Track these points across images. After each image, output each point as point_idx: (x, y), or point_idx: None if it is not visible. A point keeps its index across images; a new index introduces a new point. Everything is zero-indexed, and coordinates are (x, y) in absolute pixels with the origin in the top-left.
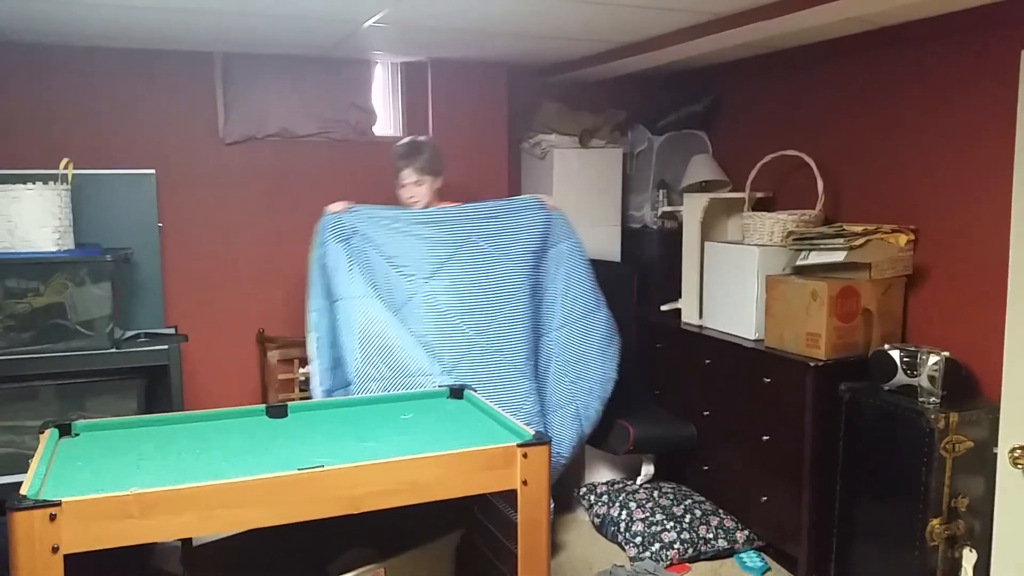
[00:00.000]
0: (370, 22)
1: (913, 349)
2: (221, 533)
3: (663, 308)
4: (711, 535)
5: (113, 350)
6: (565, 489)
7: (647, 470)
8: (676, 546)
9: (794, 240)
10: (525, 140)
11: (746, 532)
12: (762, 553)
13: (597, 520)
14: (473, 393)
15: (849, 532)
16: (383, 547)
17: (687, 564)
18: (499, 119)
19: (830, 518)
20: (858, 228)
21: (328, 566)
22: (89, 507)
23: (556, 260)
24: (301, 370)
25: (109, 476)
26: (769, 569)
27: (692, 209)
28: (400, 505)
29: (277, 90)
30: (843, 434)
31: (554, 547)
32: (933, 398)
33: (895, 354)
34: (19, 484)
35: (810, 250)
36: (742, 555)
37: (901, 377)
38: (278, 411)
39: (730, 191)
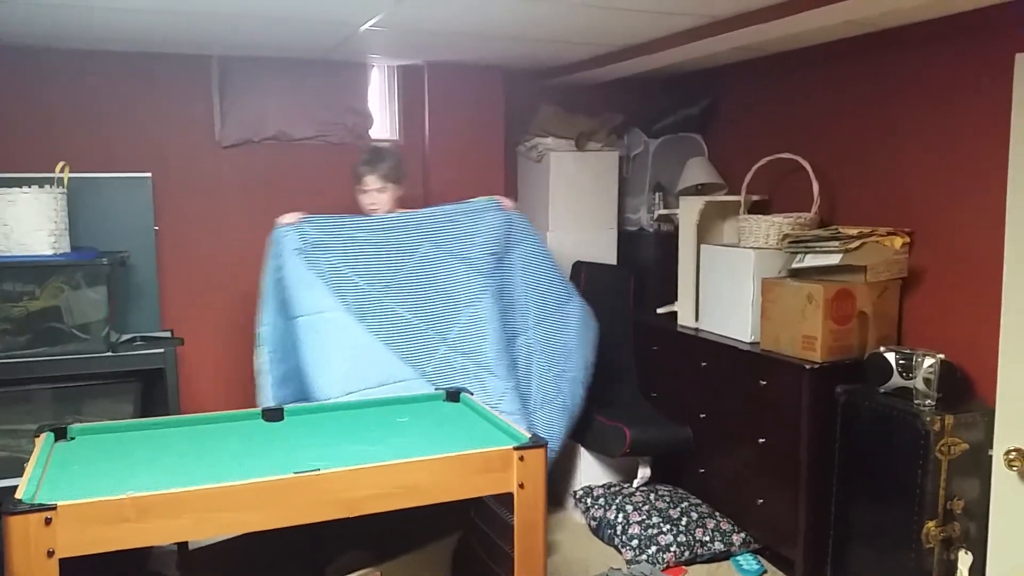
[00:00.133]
0: (367, 25)
1: (908, 352)
2: (217, 537)
3: (659, 311)
4: (707, 538)
5: (109, 353)
6: (553, 486)
7: (643, 473)
8: (672, 549)
9: (790, 243)
10: (522, 143)
11: (742, 535)
12: (758, 556)
13: (593, 523)
14: (469, 396)
15: (845, 534)
16: (380, 550)
17: (683, 567)
18: (496, 122)
19: (826, 520)
20: (853, 231)
21: (325, 569)
22: (85, 511)
23: (522, 259)
24: None
25: (105, 480)
26: (765, 572)
27: (688, 212)
28: (397, 508)
29: (274, 93)
30: (839, 436)
31: (550, 549)
32: (928, 400)
33: (891, 357)
34: (14, 488)
35: (806, 253)
36: (739, 558)
37: (897, 379)
38: (274, 414)
39: (726, 194)
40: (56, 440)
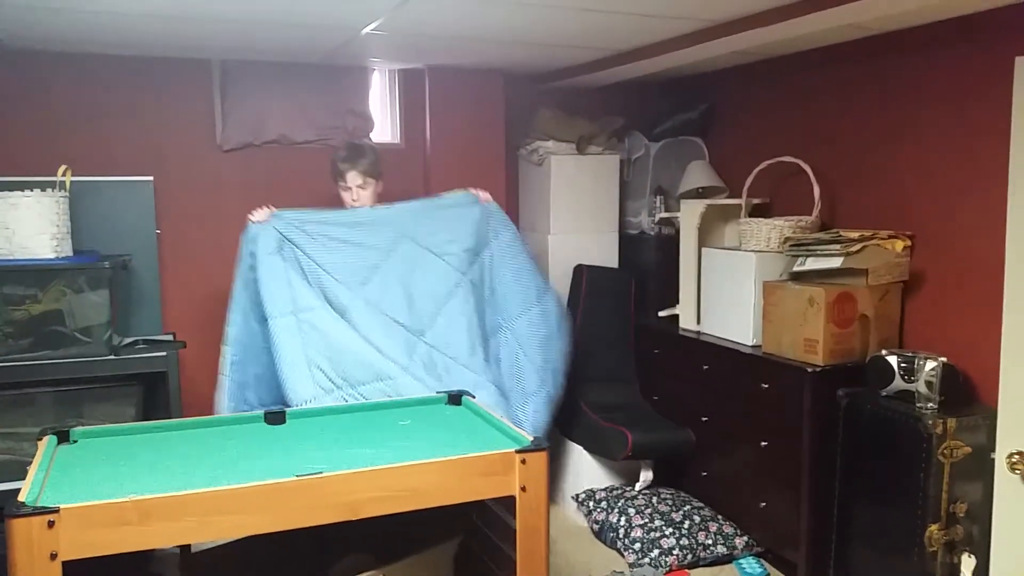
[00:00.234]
0: (367, 29)
1: (910, 355)
2: (220, 540)
3: (661, 314)
4: (710, 541)
5: (111, 357)
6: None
7: (646, 476)
8: (675, 552)
9: (791, 246)
10: (522, 147)
11: (745, 538)
12: (761, 559)
13: (596, 526)
14: (471, 399)
15: (848, 537)
16: (382, 553)
17: (686, 570)
18: (496, 126)
19: (829, 524)
20: (854, 234)
21: (327, 572)
22: (87, 514)
23: (500, 252)
24: None
25: (107, 483)
26: (768, 575)
27: (689, 215)
28: (399, 511)
29: (275, 97)
30: (841, 440)
31: (552, 553)
32: (930, 404)
33: (892, 360)
34: (17, 491)
35: (807, 256)
36: (741, 561)
37: (898, 383)
38: (276, 417)
39: (726, 197)
40: (59, 443)
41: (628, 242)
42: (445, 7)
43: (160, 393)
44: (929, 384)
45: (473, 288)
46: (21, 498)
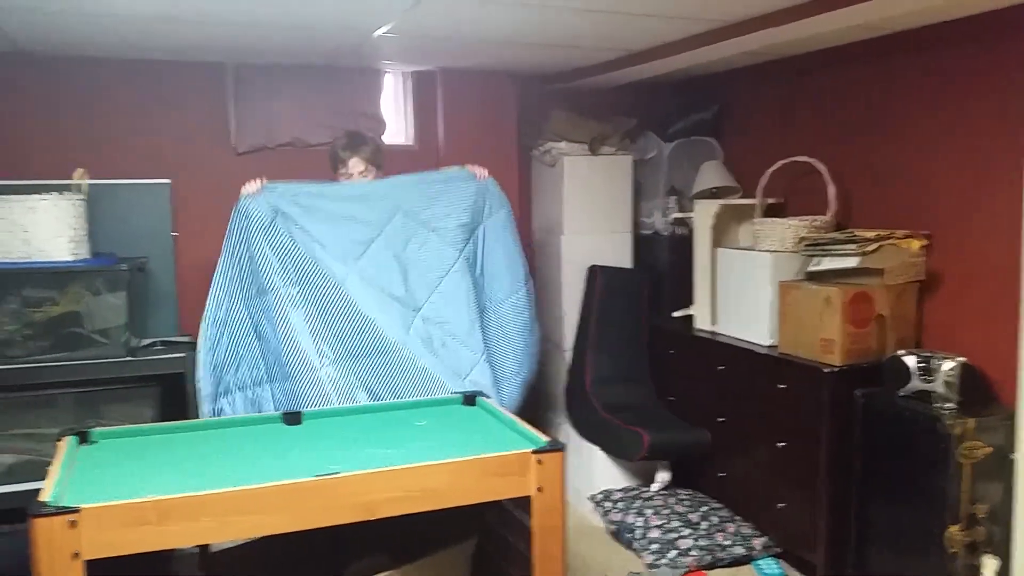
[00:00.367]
0: (379, 32)
1: (928, 355)
2: (237, 540)
3: (675, 314)
4: (728, 542)
5: (129, 358)
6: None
7: (663, 477)
8: (693, 553)
9: (806, 246)
10: (535, 148)
11: (763, 539)
12: (780, 560)
13: (613, 527)
14: (486, 400)
15: (867, 538)
16: (399, 554)
17: (704, 571)
18: (509, 127)
19: (847, 524)
20: (870, 234)
21: (344, 572)
22: (107, 514)
23: (494, 230)
24: None
25: (127, 483)
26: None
27: (703, 215)
28: (415, 511)
29: (288, 100)
30: (859, 440)
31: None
32: (949, 404)
33: (910, 360)
34: (38, 491)
35: (822, 256)
36: (759, 562)
37: (916, 383)
38: (293, 418)
39: (740, 197)
40: (79, 444)
41: (642, 243)
42: (456, 10)
43: (177, 394)
44: (948, 384)
45: (468, 266)
46: (43, 498)
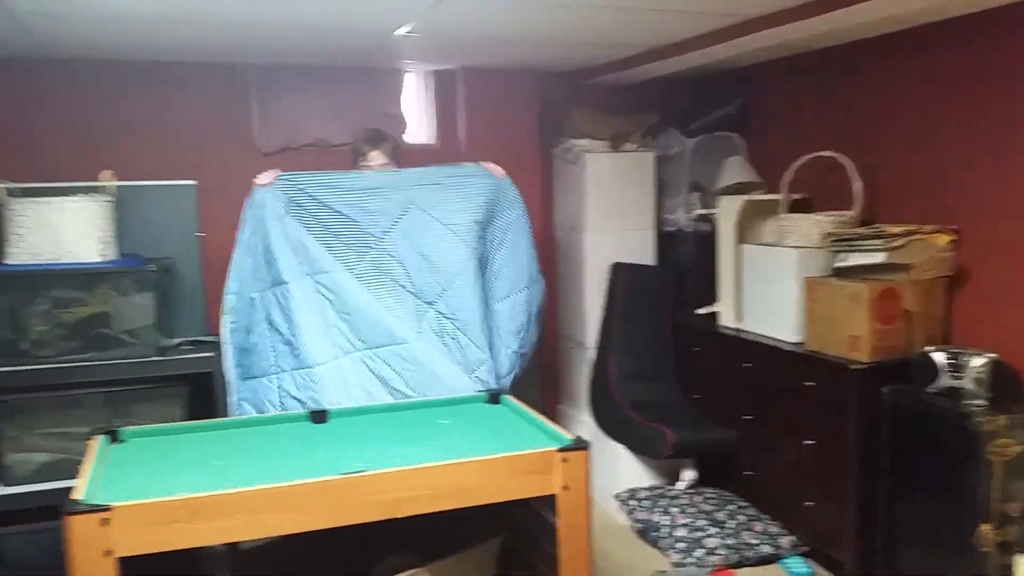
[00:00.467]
0: (401, 32)
1: (957, 351)
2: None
3: (699, 312)
4: (755, 541)
5: (157, 358)
6: None
7: (689, 475)
8: (720, 552)
9: (833, 242)
10: (557, 145)
11: (791, 537)
12: (807, 558)
13: (639, 525)
14: (510, 399)
15: (896, 536)
16: (426, 551)
17: (731, 570)
18: (530, 125)
19: (876, 522)
20: (897, 229)
21: (372, 570)
22: (139, 512)
23: (503, 229)
24: None
25: (157, 481)
26: (815, 574)
27: (727, 211)
28: (441, 510)
29: (311, 100)
30: (886, 438)
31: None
32: (979, 401)
33: (939, 356)
34: (69, 489)
35: (849, 252)
36: (787, 561)
37: (945, 379)
38: (319, 416)
39: (764, 193)
40: (109, 443)
41: (665, 240)
42: (477, 8)
43: (205, 393)
44: (978, 381)
45: (479, 263)
46: (76, 496)
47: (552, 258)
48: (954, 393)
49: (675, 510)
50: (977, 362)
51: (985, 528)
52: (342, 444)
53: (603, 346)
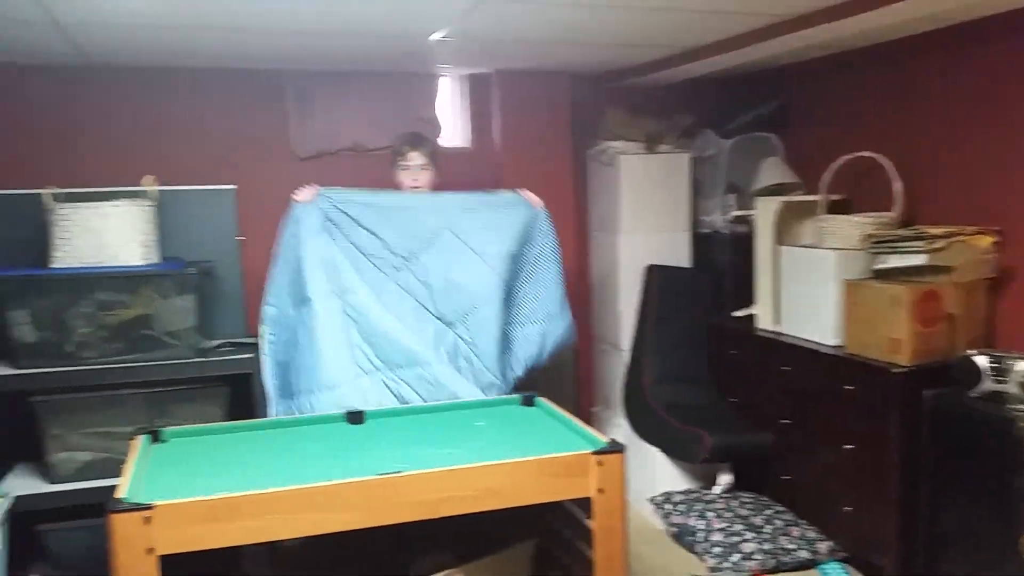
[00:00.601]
0: (436, 36)
1: (1000, 354)
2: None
3: (737, 314)
4: (793, 546)
5: (198, 359)
6: None
7: (726, 479)
8: (757, 557)
9: (873, 243)
10: (591, 147)
11: (829, 543)
12: (846, 564)
13: (674, 529)
14: (545, 401)
15: (938, 542)
16: (462, 552)
17: (768, 575)
18: (564, 127)
19: (917, 528)
20: (938, 230)
21: (408, 569)
22: (180, 510)
23: (533, 261)
24: None
25: (198, 481)
26: None
27: (765, 213)
28: (476, 511)
29: (347, 105)
30: (927, 442)
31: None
32: (1023, 406)
33: (981, 360)
34: (112, 488)
35: (889, 253)
36: (825, 566)
37: (988, 384)
38: (357, 417)
39: (802, 194)
40: (151, 442)
41: (701, 241)
42: (512, 11)
43: (245, 394)
44: (1022, 385)
45: (507, 292)
46: (119, 495)
47: (586, 260)
48: (997, 397)
49: (711, 514)
50: (1021, 366)
51: None
52: (379, 445)
53: (637, 349)
